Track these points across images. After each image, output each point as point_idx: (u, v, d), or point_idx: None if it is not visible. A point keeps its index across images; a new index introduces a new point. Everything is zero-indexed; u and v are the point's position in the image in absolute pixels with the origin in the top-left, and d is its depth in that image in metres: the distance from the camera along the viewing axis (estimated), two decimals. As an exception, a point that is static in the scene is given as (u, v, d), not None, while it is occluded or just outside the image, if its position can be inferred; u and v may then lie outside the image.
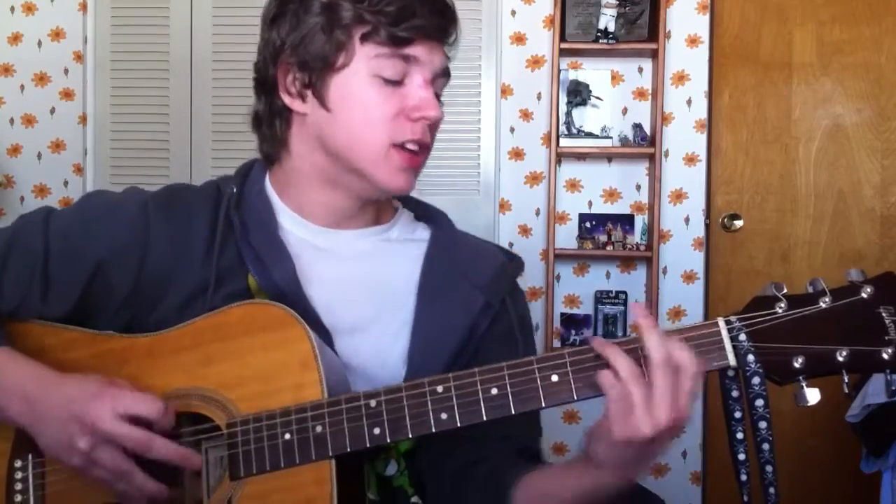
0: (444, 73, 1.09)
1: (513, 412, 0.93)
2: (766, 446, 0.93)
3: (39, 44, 3.30)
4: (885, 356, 0.87)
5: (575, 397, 0.92)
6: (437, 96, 1.09)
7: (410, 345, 1.10)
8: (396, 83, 1.05)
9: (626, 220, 3.26)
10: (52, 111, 3.31)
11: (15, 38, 3.30)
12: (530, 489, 1.02)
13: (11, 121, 3.31)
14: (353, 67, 1.04)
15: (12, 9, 3.30)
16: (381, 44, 1.03)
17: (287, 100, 1.08)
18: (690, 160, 3.26)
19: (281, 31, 1.07)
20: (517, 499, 1.02)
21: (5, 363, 1.01)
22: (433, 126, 1.08)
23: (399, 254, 1.15)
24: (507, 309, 1.14)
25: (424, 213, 1.22)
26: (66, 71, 3.30)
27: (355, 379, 1.05)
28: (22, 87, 3.30)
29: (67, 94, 3.30)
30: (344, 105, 1.05)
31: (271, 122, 1.11)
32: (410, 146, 1.06)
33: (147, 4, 3.28)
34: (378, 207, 1.17)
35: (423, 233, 1.19)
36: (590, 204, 3.31)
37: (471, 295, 1.11)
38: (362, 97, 1.05)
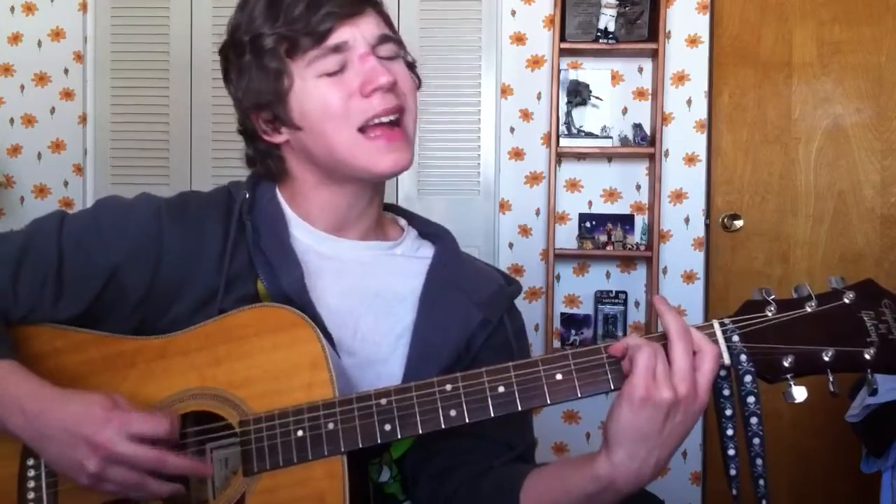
0: (385, 39, 1.11)
1: (519, 408, 0.95)
2: (756, 441, 0.96)
3: (39, 44, 3.31)
4: (867, 356, 0.93)
5: (579, 394, 0.95)
6: (391, 59, 1.11)
7: (409, 353, 1.12)
8: (341, 71, 1.08)
9: (626, 220, 3.27)
10: (52, 111, 3.31)
11: (15, 38, 3.30)
12: (539, 483, 1.03)
13: (11, 121, 3.31)
14: (298, 83, 1.08)
15: (12, 9, 3.30)
16: (308, 49, 1.07)
17: (267, 139, 1.14)
18: (690, 160, 3.27)
19: (234, 85, 1.13)
20: (527, 496, 1.03)
21: (5, 376, 1.01)
22: (399, 91, 1.10)
23: (403, 268, 1.18)
24: (505, 325, 1.17)
25: (429, 230, 1.25)
26: (66, 71, 3.30)
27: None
28: (22, 87, 3.31)
29: (67, 94, 3.31)
30: (307, 116, 1.09)
31: (264, 161, 1.16)
32: (382, 119, 1.08)
33: (147, 4, 3.28)
34: (382, 218, 1.20)
35: (426, 250, 1.22)
36: (590, 204, 3.32)
37: (469, 310, 1.15)
38: (318, 99, 1.08)
